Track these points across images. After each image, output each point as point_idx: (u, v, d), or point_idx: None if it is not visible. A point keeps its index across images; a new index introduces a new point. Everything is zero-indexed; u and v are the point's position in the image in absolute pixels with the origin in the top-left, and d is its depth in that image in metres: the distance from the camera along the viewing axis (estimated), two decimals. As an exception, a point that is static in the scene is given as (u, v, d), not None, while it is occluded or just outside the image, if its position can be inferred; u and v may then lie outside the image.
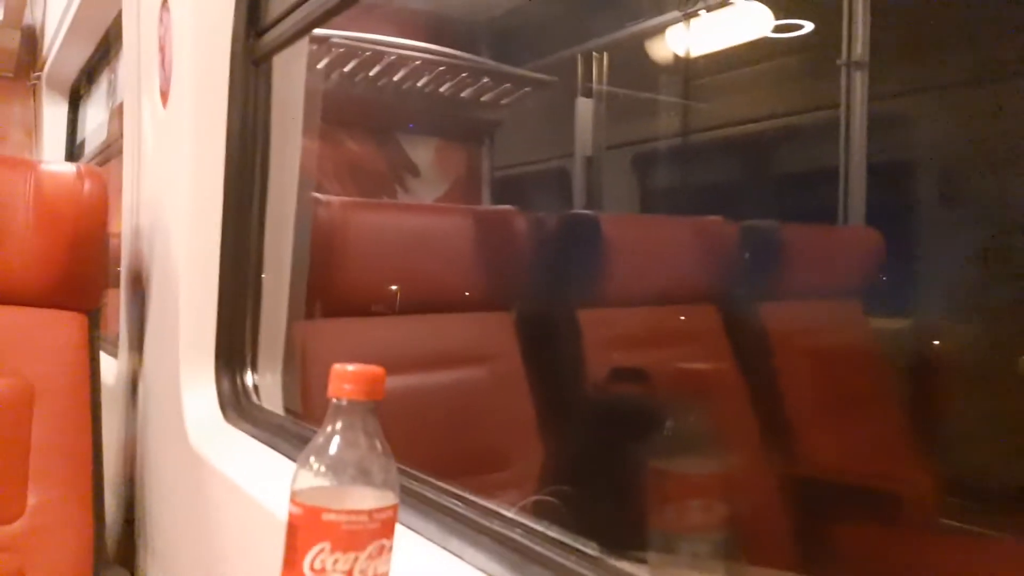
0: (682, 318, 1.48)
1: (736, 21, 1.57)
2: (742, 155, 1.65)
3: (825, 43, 1.45)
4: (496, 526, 0.73)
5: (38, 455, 1.17)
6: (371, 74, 1.90)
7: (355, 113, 2.00)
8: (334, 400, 0.56)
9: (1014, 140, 0.96)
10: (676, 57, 1.74)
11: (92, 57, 2.94)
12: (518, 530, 0.71)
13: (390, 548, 0.56)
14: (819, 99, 1.46)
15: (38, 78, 3.46)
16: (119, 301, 1.58)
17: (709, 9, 1.60)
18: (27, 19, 3.45)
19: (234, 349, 1.22)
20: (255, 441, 1.09)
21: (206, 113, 1.20)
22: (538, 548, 0.68)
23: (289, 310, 1.24)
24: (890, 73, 1.35)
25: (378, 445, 0.57)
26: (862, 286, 1.34)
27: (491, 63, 2.02)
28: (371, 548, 0.55)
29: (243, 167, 1.21)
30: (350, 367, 0.56)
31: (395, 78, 1.92)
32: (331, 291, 1.33)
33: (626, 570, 0.65)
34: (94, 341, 1.29)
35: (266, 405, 1.21)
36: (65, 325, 1.25)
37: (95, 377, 1.28)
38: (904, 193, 1.23)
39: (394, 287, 1.38)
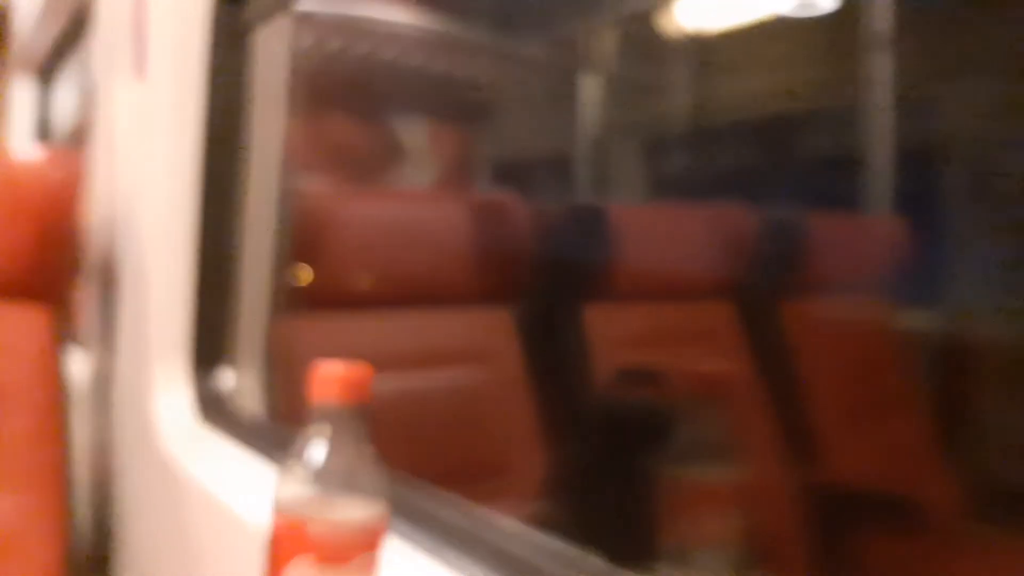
0: (696, 315, 1.47)
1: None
2: (758, 139, 1.63)
3: (847, 20, 1.44)
4: (494, 537, 0.72)
5: (5, 458, 1.16)
6: (359, 52, 1.89)
7: (342, 94, 1.99)
8: (318, 402, 0.56)
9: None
10: (688, 35, 1.73)
11: (64, 34, 2.93)
12: (518, 541, 0.71)
13: (379, 561, 0.56)
14: (842, 79, 1.45)
15: (7, 57, 3.44)
16: (88, 294, 1.57)
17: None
18: (-4, -6, 3.43)
19: (211, 346, 1.21)
20: (234, 446, 1.08)
21: (183, 91, 1.19)
22: (539, 560, 0.68)
23: (271, 304, 1.24)
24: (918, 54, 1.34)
25: (366, 451, 0.56)
26: (889, 280, 1.33)
27: (489, 40, 2.01)
28: (359, 561, 0.54)
29: (222, 149, 1.20)
30: (334, 366, 0.56)
31: (385, 56, 1.91)
32: (316, 284, 1.32)
33: (635, 585, 0.64)
34: (62, 337, 1.27)
35: (246, 407, 1.20)
36: (31, 319, 1.23)
37: (63, 375, 1.27)
38: (935, 181, 1.22)
39: (384, 280, 1.37)
